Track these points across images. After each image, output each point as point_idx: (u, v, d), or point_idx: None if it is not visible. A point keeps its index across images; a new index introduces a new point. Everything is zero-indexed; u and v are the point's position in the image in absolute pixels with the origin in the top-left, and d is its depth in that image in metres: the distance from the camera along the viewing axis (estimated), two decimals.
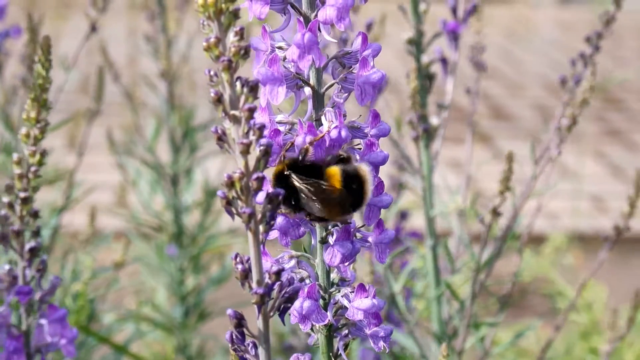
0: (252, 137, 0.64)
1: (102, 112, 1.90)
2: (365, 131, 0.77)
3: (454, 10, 1.52)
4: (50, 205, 1.81)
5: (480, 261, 1.37)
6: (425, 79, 1.41)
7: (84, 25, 1.71)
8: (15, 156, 0.98)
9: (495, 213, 1.32)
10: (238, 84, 0.64)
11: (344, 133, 0.73)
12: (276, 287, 0.64)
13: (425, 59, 1.40)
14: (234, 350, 0.65)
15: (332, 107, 0.76)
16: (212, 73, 0.65)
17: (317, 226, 0.77)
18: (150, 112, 2.30)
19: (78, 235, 1.82)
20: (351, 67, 0.77)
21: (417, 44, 1.39)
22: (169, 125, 2.09)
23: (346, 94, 0.77)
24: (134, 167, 2.21)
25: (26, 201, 1.00)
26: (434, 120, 1.43)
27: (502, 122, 5.16)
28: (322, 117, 0.75)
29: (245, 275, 0.63)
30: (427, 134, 1.40)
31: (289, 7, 0.77)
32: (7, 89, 1.75)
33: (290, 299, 0.64)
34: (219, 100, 0.64)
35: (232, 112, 0.64)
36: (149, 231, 2.24)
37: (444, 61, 1.49)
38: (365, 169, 0.75)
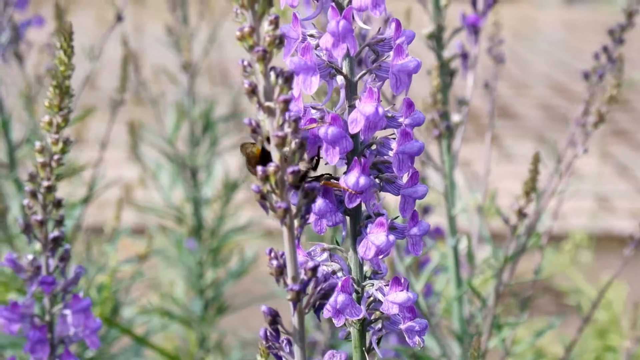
0: (287, 130, 0.62)
1: (107, 110, 1.89)
2: (399, 120, 0.75)
3: (474, 3, 1.49)
4: (66, 199, 1.80)
5: (505, 259, 1.35)
6: (447, 75, 1.39)
7: (89, 20, 1.70)
8: (37, 144, 0.97)
9: (521, 214, 1.30)
10: (272, 74, 0.63)
11: (380, 110, 0.71)
12: (312, 283, 0.62)
13: (446, 54, 1.38)
14: (268, 347, 0.64)
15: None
16: (245, 63, 0.64)
17: (350, 218, 0.76)
18: (163, 106, 2.29)
19: (92, 230, 1.81)
20: (384, 54, 0.75)
21: (437, 39, 1.37)
22: (190, 118, 2.08)
23: (380, 83, 0.75)
24: (153, 159, 2.20)
25: (49, 190, 0.99)
26: (455, 118, 1.41)
27: (508, 121, 5.15)
28: (356, 102, 0.73)
29: (280, 271, 0.62)
30: (449, 132, 1.38)
31: None
32: (31, 79, 1.74)
33: (326, 295, 0.62)
34: (253, 91, 0.62)
35: (267, 103, 0.62)
36: (168, 224, 2.24)
37: (464, 56, 1.47)
38: None
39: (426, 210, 1.81)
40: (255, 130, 0.63)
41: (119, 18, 1.60)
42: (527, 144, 4.68)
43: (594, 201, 3.97)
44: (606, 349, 2.53)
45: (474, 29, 1.48)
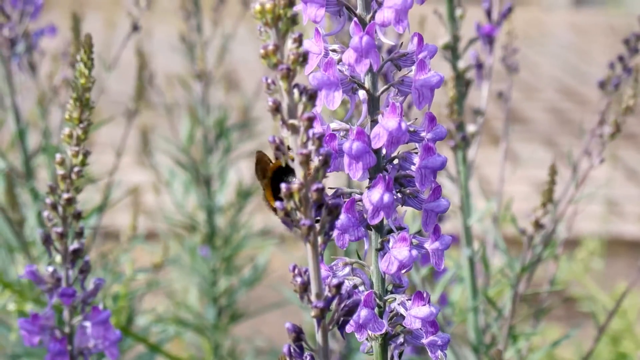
0: (311, 147, 0.62)
1: (115, 115, 1.90)
2: (422, 135, 0.75)
3: (488, 13, 1.49)
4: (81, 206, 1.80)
5: (522, 269, 1.35)
6: (462, 85, 1.39)
7: (97, 24, 1.71)
8: (58, 157, 0.98)
9: (538, 225, 1.31)
10: (296, 91, 0.63)
11: (403, 125, 0.72)
12: (336, 299, 0.62)
13: (461, 64, 1.38)
14: None
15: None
16: (269, 81, 0.64)
17: (372, 232, 0.76)
18: (168, 113, 2.29)
19: (102, 235, 1.80)
20: (406, 69, 0.76)
21: (453, 50, 1.37)
22: (204, 126, 2.09)
23: (402, 97, 0.75)
24: (165, 165, 2.21)
25: (70, 202, 0.99)
26: (470, 128, 1.41)
27: (517, 124, 5.14)
28: (379, 117, 0.73)
29: (304, 288, 0.62)
30: (465, 142, 1.38)
31: (343, 9, 0.75)
32: (44, 88, 1.74)
33: (350, 311, 0.62)
34: (277, 109, 0.63)
35: (291, 121, 0.62)
36: (181, 231, 2.24)
37: (479, 66, 1.47)
38: None
39: (440, 218, 1.81)
40: (279, 147, 0.63)
41: (135, 27, 1.60)
42: (536, 148, 4.68)
43: (604, 206, 3.97)
44: (620, 356, 2.52)
45: (489, 39, 1.48)
